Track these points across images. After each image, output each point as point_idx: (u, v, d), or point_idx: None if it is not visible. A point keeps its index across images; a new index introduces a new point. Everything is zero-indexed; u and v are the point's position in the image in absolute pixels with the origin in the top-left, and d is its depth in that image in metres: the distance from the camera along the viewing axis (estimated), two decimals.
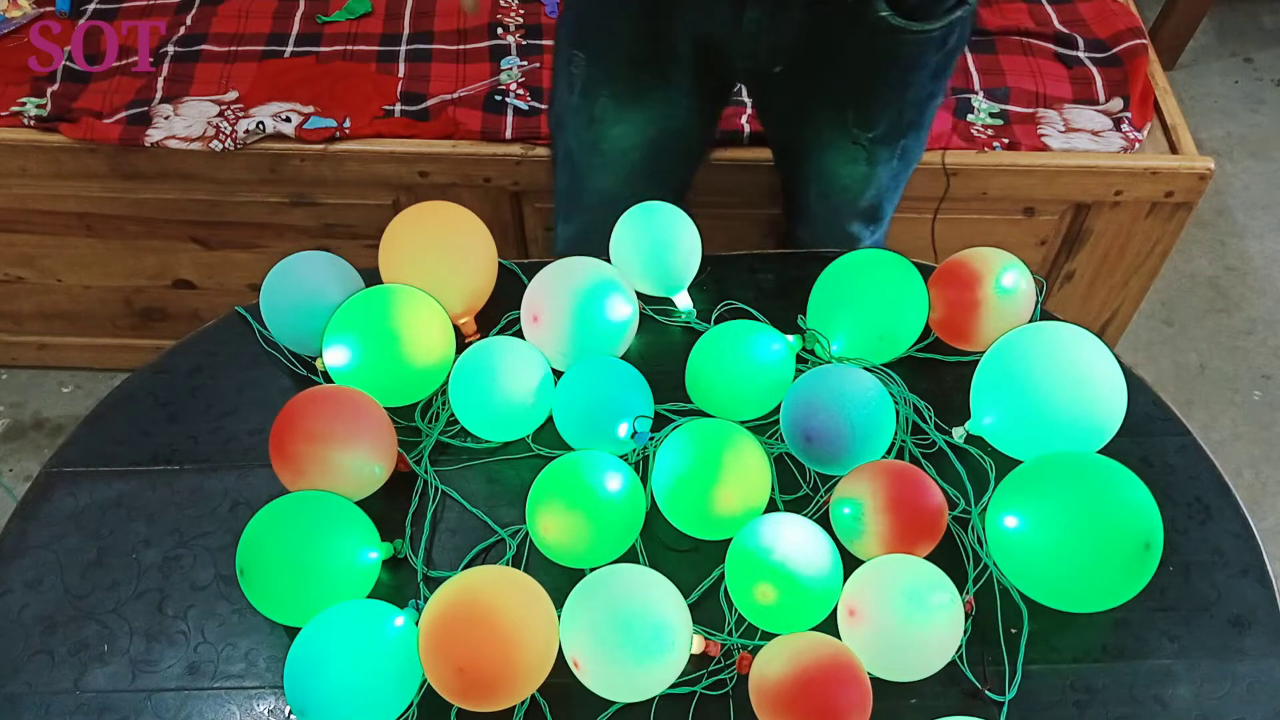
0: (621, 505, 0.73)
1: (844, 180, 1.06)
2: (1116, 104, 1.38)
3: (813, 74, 0.96)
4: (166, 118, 1.35)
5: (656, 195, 0.95)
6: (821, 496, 0.79)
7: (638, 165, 1.06)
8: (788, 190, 1.16)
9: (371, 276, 0.88)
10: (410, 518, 0.79)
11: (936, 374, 0.86)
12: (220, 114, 1.35)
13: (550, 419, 0.83)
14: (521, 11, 1.51)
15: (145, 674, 0.73)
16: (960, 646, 0.69)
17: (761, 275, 0.95)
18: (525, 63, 1.43)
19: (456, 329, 0.87)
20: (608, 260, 0.90)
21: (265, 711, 0.70)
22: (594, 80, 1.01)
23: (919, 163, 1.11)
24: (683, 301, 0.91)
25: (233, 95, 1.38)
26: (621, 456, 0.78)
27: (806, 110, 1.02)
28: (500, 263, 0.91)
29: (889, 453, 0.80)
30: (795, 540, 0.70)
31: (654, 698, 0.69)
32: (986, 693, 0.70)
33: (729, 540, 0.72)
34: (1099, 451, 0.75)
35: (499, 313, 0.90)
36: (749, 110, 1.36)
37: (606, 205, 1.04)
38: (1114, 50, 1.44)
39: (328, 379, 0.84)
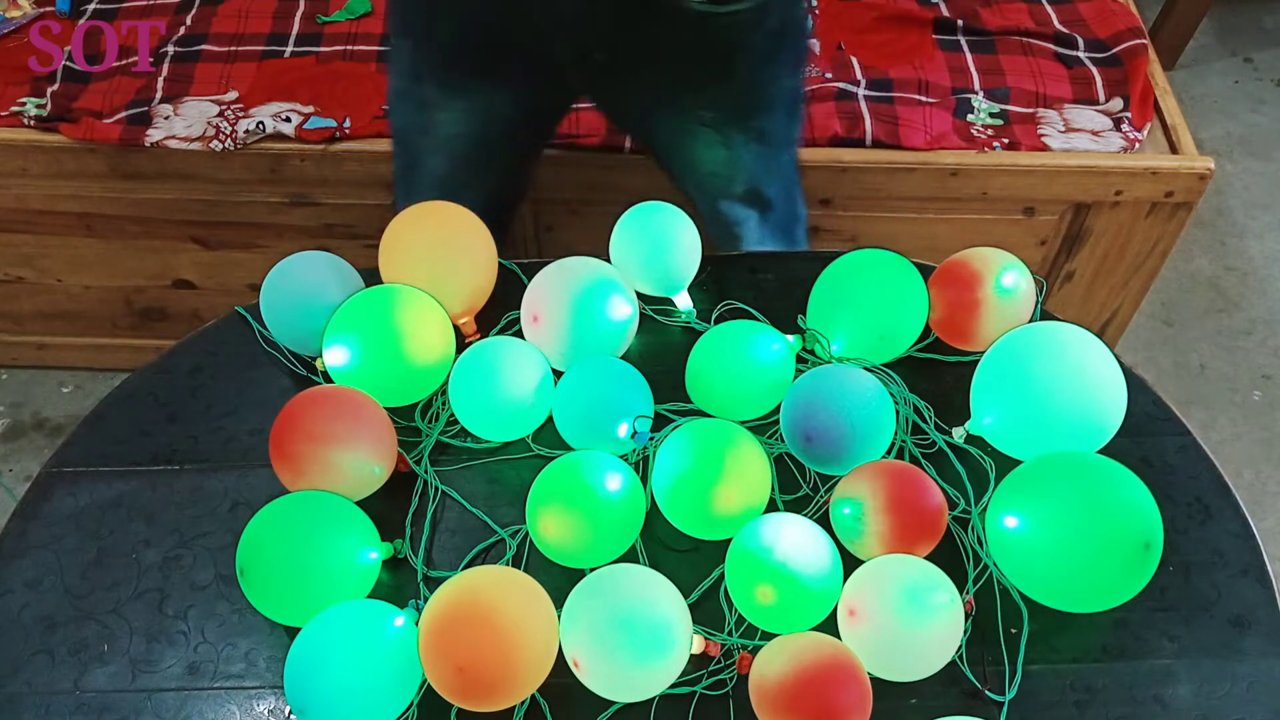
0: (621, 505, 0.73)
1: (707, 166, 1.06)
2: (1116, 104, 1.38)
3: (636, 63, 0.97)
4: (166, 118, 1.35)
5: (493, 183, 0.99)
6: (821, 496, 0.79)
7: (468, 152, 1.07)
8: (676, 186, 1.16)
9: (371, 276, 0.88)
10: (410, 518, 0.79)
11: (936, 374, 0.86)
12: (220, 114, 1.35)
13: (550, 419, 0.83)
14: None
15: (145, 674, 0.73)
16: (960, 646, 0.69)
17: (761, 275, 0.95)
18: None
19: (456, 329, 0.87)
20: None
21: (265, 711, 0.70)
22: (421, 66, 1.03)
23: (799, 144, 1.10)
24: (683, 301, 0.91)
25: (233, 95, 1.38)
26: (621, 456, 0.78)
27: (645, 101, 1.03)
28: (500, 263, 0.91)
29: (889, 453, 0.80)
30: (795, 540, 0.70)
31: (654, 698, 0.69)
32: (986, 693, 0.70)
33: (729, 540, 0.72)
34: (1099, 451, 0.75)
35: (499, 313, 0.90)
36: None
37: (438, 188, 1.07)
38: (1114, 50, 1.44)
39: (328, 379, 0.84)
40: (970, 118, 1.36)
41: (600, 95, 1.09)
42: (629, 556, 0.76)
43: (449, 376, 0.83)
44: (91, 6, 1.50)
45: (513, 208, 1.23)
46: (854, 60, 1.44)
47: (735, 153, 1.04)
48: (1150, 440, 0.82)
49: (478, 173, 1.10)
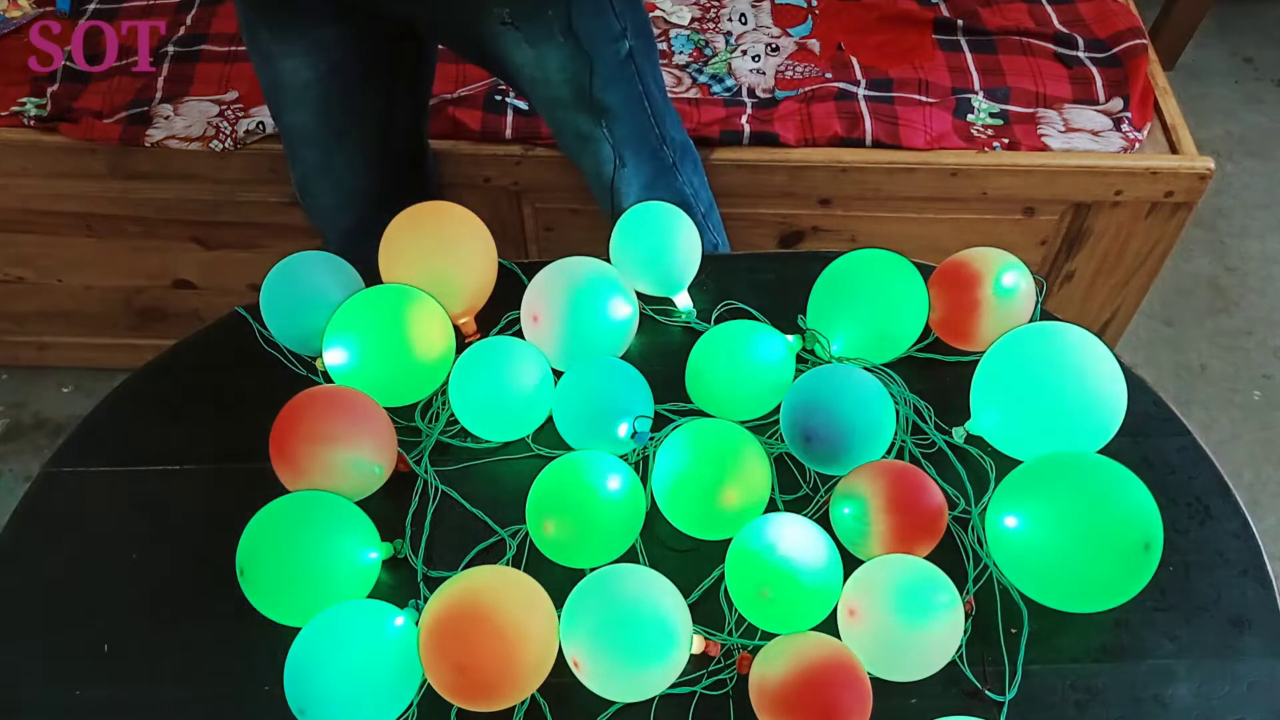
0: (621, 505, 0.73)
1: (523, 70, 1.05)
2: (1116, 104, 1.38)
3: None
4: (166, 118, 1.35)
5: (371, 126, 0.99)
6: (821, 496, 0.79)
7: (323, 99, 1.08)
8: None
9: (372, 276, 0.88)
10: (410, 518, 0.79)
11: (936, 374, 0.86)
12: (220, 114, 1.35)
13: (550, 419, 0.83)
14: None
15: (145, 674, 0.73)
16: (960, 646, 0.69)
17: (761, 275, 0.95)
18: None
19: (456, 329, 0.87)
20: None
21: (265, 711, 0.70)
22: (250, 17, 1.03)
23: (626, 53, 1.05)
24: (683, 301, 0.91)
25: (233, 95, 1.38)
26: (621, 456, 0.78)
27: (451, 12, 1.02)
28: (500, 263, 0.91)
29: (889, 453, 0.80)
30: (795, 540, 0.70)
31: (654, 698, 0.69)
32: (986, 693, 0.70)
33: (729, 540, 0.72)
34: (1099, 451, 0.75)
35: (499, 313, 0.90)
36: (749, 110, 1.37)
37: (307, 142, 1.09)
38: (1114, 50, 1.44)
39: (328, 379, 0.84)
40: (970, 118, 1.36)
41: (419, 22, 1.07)
42: (629, 556, 0.76)
43: (449, 376, 0.83)
44: (91, 6, 1.50)
45: (413, 141, 1.20)
46: (854, 60, 1.44)
47: (541, 51, 1.02)
48: (1150, 440, 0.82)
49: (350, 119, 1.09)
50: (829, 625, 0.70)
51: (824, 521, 0.74)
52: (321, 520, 0.73)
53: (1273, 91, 2.20)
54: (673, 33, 1.48)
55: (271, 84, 1.08)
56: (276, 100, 1.10)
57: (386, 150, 1.16)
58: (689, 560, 0.76)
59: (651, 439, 0.80)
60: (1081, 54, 1.44)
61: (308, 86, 1.06)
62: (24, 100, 1.37)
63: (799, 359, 0.85)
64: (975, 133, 1.34)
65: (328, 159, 1.13)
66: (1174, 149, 1.36)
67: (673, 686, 0.69)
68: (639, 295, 0.89)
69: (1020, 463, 0.75)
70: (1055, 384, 0.77)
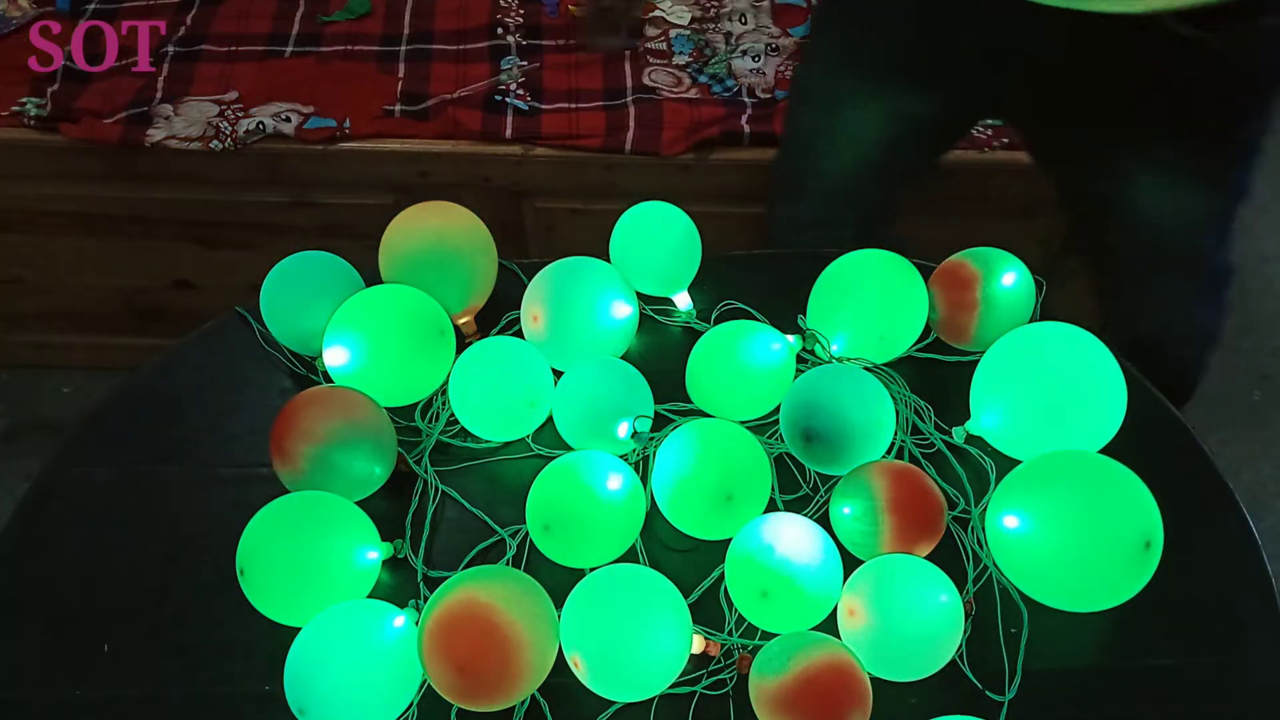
0: (621, 505, 0.73)
1: (1149, 212, 0.97)
2: None
3: (1091, 83, 0.90)
4: (167, 118, 1.35)
5: (881, 198, 0.98)
6: (821, 496, 0.79)
7: (870, 156, 1.03)
8: None
9: (371, 276, 0.88)
10: (410, 518, 0.79)
11: (936, 374, 0.86)
12: (220, 114, 1.35)
13: (550, 419, 0.83)
14: (521, 11, 1.51)
15: (145, 674, 0.73)
16: (960, 646, 0.69)
17: (761, 275, 0.95)
18: (525, 63, 1.43)
19: (456, 329, 0.87)
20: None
21: (265, 711, 0.70)
22: (847, 60, 0.99)
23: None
24: (683, 301, 0.91)
25: (233, 95, 1.38)
26: (621, 456, 0.78)
27: (1082, 123, 0.94)
28: (500, 263, 0.91)
29: (889, 453, 0.80)
30: (795, 540, 0.70)
31: (654, 698, 0.69)
32: (986, 693, 0.70)
33: (729, 540, 0.72)
34: (1099, 451, 0.75)
35: (499, 313, 0.90)
36: (749, 110, 1.36)
37: (831, 194, 1.05)
38: None
39: (328, 379, 0.84)
40: None
41: (1028, 110, 1.00)
42: (629, 556, 0.76)
43: (449, 376, 0.83)
44: (91, 6, 1.50)
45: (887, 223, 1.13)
46: None
47: (1185, 199, 0.94)
48: (1150, 440, 0.82)
49: (873, 182, 1.04)
50: (829, 625, 0.70)
51: (824, 521, 0.74)
52: (321, 520, 0.73)
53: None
54: (673, 33, 1.48)
55: (819, 129, 1.04)
56: (815, 145, 1.05)
57: (874, 220, 1.11)
58: (689, 560, 0.76)
59: (651, 439, 0.80)
60: None
61: (859, 141, 1.02)
62: (24, 100, 1.37)
63: (799, 359, 0.85)
64: (975, 132, 1.34)
65: (833, 201, 1.08)
66: None
67: (673, 686, 0.69)
68: (639, 295, 0.89)
69: (1020, 462, 0.75)
70: (1055, 384, 0.77)
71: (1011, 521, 0.72)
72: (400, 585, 0.76)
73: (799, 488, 0.80)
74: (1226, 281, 1.06)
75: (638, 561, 0.76)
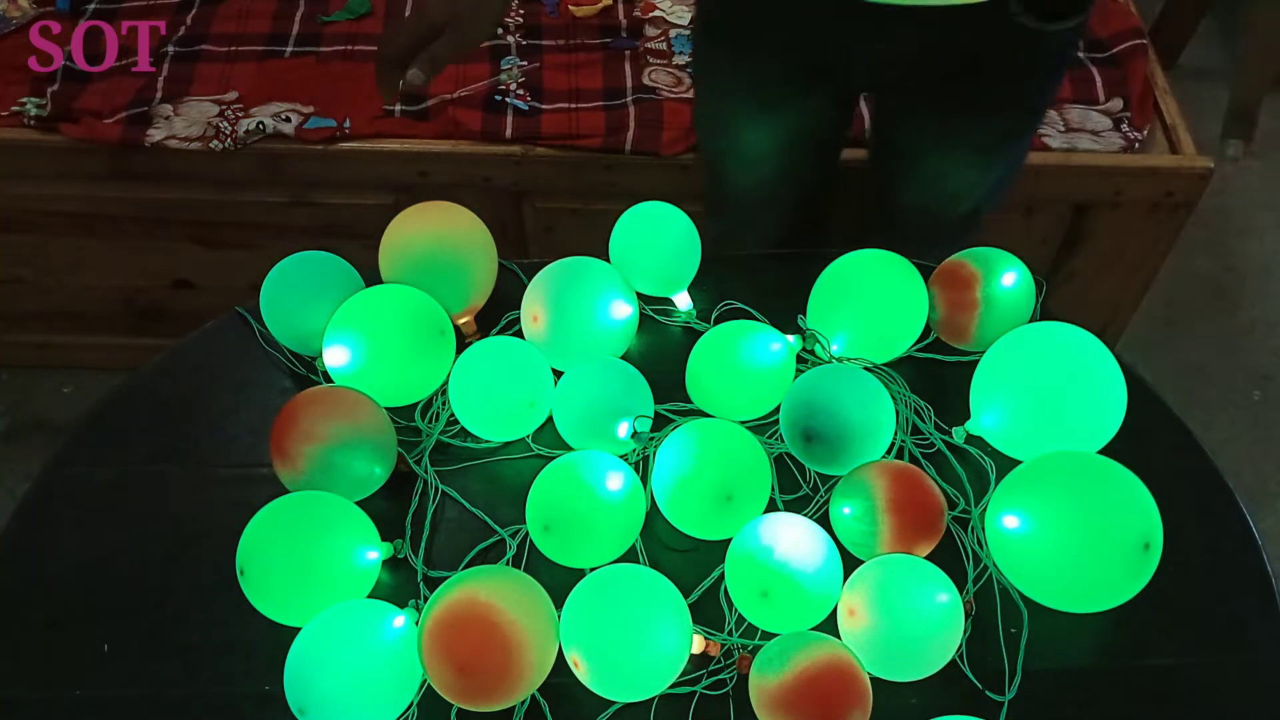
0: (621, 505, 0.73)
1: (950, 188, 1.05)
2: (1116, 104, 1.38)
3: (944, 82, 0.95)
4: (167, 118, 1.35)
5: (795, 194, 1.03)
6: (821, 496, 0.79)
7: (774, 169, 1.09)
8: None
9: (371, 276, 0.88)
10: (410, 518, 0.79)
11: (936, 374, 0.86)
12: (220, 114, 1.35)
13: (550, 419, 0.83)
14: (521, 11, 1.51)
15: (145, 674, 0.73)
16: (960, 646, 0.69)
17: (761, 275, 0.95)
18: (525, 63, 1.43)
19: (456, 329, 0.87)
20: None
21: (265, 711, 0.70)
22: (737, 82, 1.02)
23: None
24: (683, 301, 0.91)
25: (233, 95, 1.38)
26: (621, 456, 0.78)
27: (926, 119, 1.01)
28: (500, 263, 0.91)
29: (889, 453, 0.80)
30: (795, 540, 0.70)
31: (654, 698, 0.69)
32: (986, 693, 0.70)
33: (729, 540, 0.72)
34: (1099, 451, 0.75)
35: (499, 313, 0.90)
36: None
37: (746, 205, 1.11)
38: (1114, 50, 1.44)
39: (328, 379, 0.84)
40: None
41: (888, 114, 1.07)
42: (629, 556, 0.76)
43: (449, 376, 0.83)
44: (91, 6, 1.50)
45: (821, 202, 1.20)
46: None
47: (985, 174, 1.03)
48: (1150, 440, 0.82)
49: (783, 187, 1.10)
50: (829, 625, 0.70)
51: (824, 521, 0.74)
52: (321, 520, 0.73)
53: (1273, 91, 2.20)
54: (673, 33, 1.48)
55: (725, 150, 1.09)
56: (723, 165, 1.11)
57: (802, 208, 1.16)
58: (689, 560, 0.77)
59: (651, 439, 0.80)
60: (1081, 54, 1.44)
61: (762, 159, 1.06)
62: (24, 100, 1.37)
63: (799, 359, 0.85)
64: None
65: (755, 217, 1.14)
66: (1174, 149, 1.36)
67: (673, 686, 0.69)
68: (639, 295, 0.89)
69: (1020, 462, 0.75)
70: (1055, 384, 0.77)
71: (1011, 522, 0.72)
72: (400, 585, 0.76)
73: (799, 488, 0.80)
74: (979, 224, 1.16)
75: (638, 561, 0.76)
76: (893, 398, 0.80)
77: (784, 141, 1.05)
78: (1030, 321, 0.85)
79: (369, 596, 0.74)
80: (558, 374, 0.83)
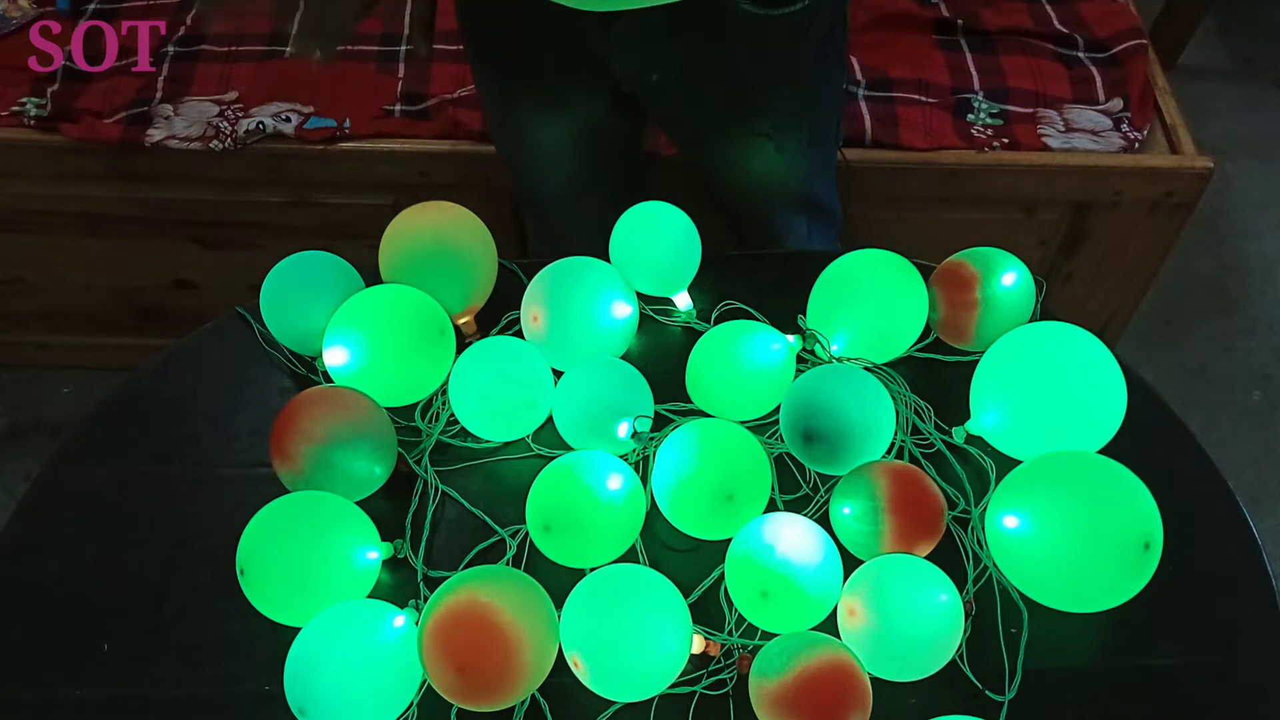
0: (621, 505, 0.73)
1: (762, 174, 1.07)
2: (1116, 104, 1.38)
3: (695, 82, 0.98)
4: (167, 118, 1.35)
5: (609, 184, 1.06)
6: (821, 496, 0.79)
7: (574, 166, 1.11)
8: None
9: (371, 276, 0.88)
10: (410, 518, 0.79)
11: (936, 374, 0.86)
12: (220, 114, 1.35)
13: (550, 419, 0.83)
14: None
15: (145, 674, 0.73)
16: (960, 646, 0.69)
17: (761, 275, 0.95)
18: None
19: (456, 329, 0.87)
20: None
21: (265, 711, 0.70)
22: (507, 90, 1.05)
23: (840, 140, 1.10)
24: (683, 301, 0.91)
25: (233, 95, 1.38)
26: (621, 456, 0.78)
27: (701, 119, 1.03)
28: (500, 263, 0.91)
29: (889, 453, 0.80)
30: (795, 540, 0.70)
31: (654, 698, 0.69)
32: (986, 693, 0.70)
33: (729, 540, 0.72)
34: (1099, 451, 0.75)
35: (499, 313, 0.90)
36: None
37: (559, 206, 1.13)
38: (1114, 50, 1.44)
39: (328, 379, 0.84)
40: (970, 118, 1.36)
41: (662, 113, 1.09)
42: (629, 556, 0.76)
43: (449, 376, 0.83)
44: (91, 6, 1.50)
45: (639, 189, 1.21)
46: (854, 60, 1.44)
47: (789, 157, 1.04)
48: (1150, 440, 0.82)
49: (583, 188, 1.12)
50: (829, 625, 0.70)
51: (824, 521, 0.74)
52: (321, 520, 0.73)
53: (1273, 91, 2.20)
54: None
55: (525, 154, 1.11)
56: (525, 165, 1.12)
57: (619, 199, 1.17)
58: (689, 560, 0.77)
59: (651, 439, 0.80)
60: (1081, 54, 1.44)
61: (558, 158, 1.09)
62: (24, 100, 1.37)
63: (799, 359, 0.85)
64: (975, 133, 1.34)
65: (567, 208, 1.16)
66: (1174, 149, 1.36)
67: (673, 686, 0.69)
68: (639, 295, 0.89)
69: (1020, 462, 0.75)
70: (1055, 384, 0.77)
71: (1011, 522, 0.72)
72: (400, 585, 0.76)
73: (799, 488, 0.80)
74: (837, 222, 1.18)
75: (638, 561, 0.76)
76: (893, 398, 0.80)
77: (572, 139, 1.06)
78: (1030, 321, 0.85)
79: (369, 596, 0.74)
80: (558, 374, 0.83)
